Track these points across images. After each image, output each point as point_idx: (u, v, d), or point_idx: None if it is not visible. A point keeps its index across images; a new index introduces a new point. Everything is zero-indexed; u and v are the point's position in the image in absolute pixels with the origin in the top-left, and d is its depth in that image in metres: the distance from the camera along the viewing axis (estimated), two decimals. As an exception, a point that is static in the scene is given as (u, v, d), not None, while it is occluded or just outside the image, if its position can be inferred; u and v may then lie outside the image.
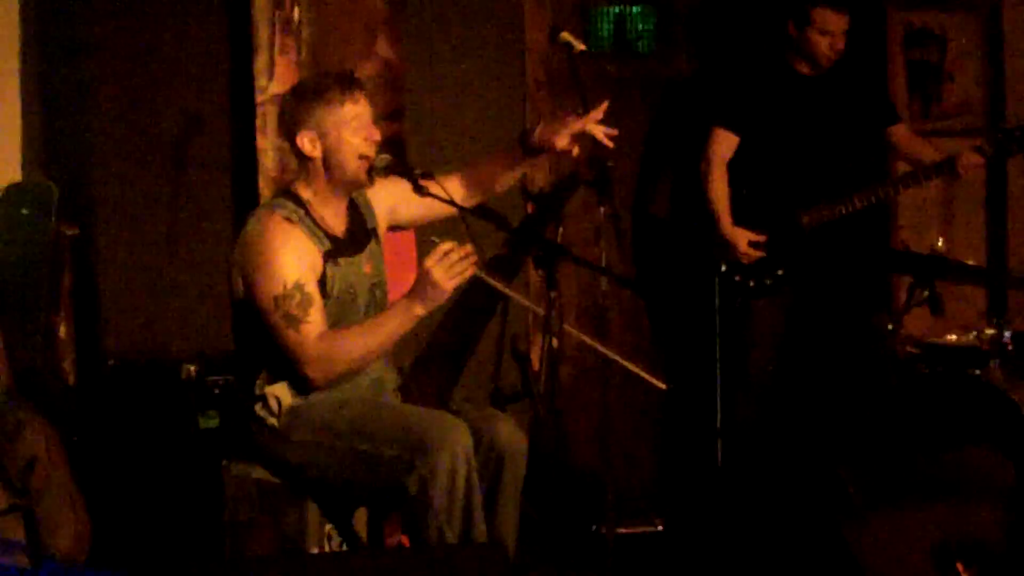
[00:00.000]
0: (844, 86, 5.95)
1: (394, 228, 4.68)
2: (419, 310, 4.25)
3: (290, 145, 4.44)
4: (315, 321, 4.27)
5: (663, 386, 4.97)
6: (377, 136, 4.39)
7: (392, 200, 4.58)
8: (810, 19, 5.81)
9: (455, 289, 4.21)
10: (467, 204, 4.56)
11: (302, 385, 4.35)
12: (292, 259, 4.28)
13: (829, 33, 5.82)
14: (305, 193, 4.41)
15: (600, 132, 4.48)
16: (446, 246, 4.15)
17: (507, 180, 4.70)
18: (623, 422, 6.10)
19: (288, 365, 4.31)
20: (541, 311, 4.89)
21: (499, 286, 4.48)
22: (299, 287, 4.26)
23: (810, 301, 6.01)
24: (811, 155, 5.91)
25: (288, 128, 4.40)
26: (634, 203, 6.36)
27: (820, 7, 5.80)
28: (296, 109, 4.37)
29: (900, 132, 6.04)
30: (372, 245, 4.52)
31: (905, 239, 6.09)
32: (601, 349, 4.78)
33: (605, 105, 4.51)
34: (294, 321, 4.26)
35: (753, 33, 6.28)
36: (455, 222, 4.65)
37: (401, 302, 4.27)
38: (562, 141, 4.51)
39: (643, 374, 4.88)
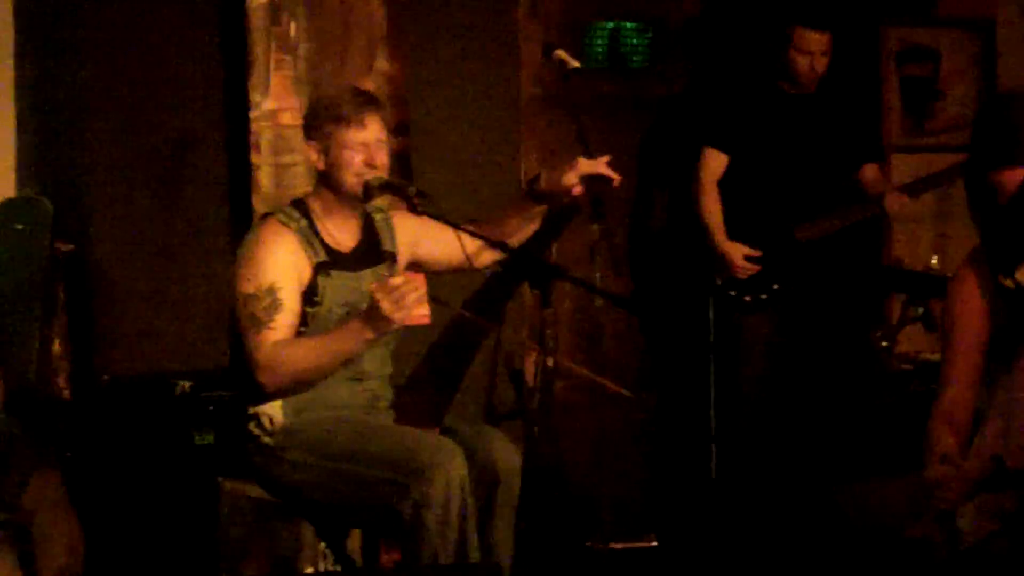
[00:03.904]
0: (833, 106, 5.97)
1: (415, 266, 4.66)
2: (369, 335, 4.21)
3: None
4: (278, 328, 4.25)
5: (628, 393, 5.05)
6: (382, 160, 4.38)
7: (416, 233, 4.57)
8: (789, 38, 5.83)
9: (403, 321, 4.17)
10: (485, 262, 4.59)
11: (293, 403, 4.34)
12: (273, 262, 4.28)
13: (808, 52, 5.82)
14: (314, 203, 4.43)
15: (608, 169, 4.48)
16: (395, 280, 4.13)
17: (524, 232, 4.61)
18: (617, 437, 6.10)
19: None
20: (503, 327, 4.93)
21: (455, 308, 4.50)
22: (271, 291, 4.25)
23: (804, 316, 6.02)
24: (802, 172, 5.92)
25: (304, 136, 4.46)
26: (630, 219, 6.37)
27: (798, 26, 5.82)
28: (310, 120, 4.43)
29: (868, 171, 6.04)
30: (384, 267, 4.49)
31: (899, 255, 6.10)
32: (566, 363, 4.83)
33: (607, 157, 4.51)
34: (257, 323, 4.24)
35: (745, 50, 6.29)
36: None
37: (354, 324, 4.22)
38: (571, 179, 4.48)
39: (606, 382, 4.95)
